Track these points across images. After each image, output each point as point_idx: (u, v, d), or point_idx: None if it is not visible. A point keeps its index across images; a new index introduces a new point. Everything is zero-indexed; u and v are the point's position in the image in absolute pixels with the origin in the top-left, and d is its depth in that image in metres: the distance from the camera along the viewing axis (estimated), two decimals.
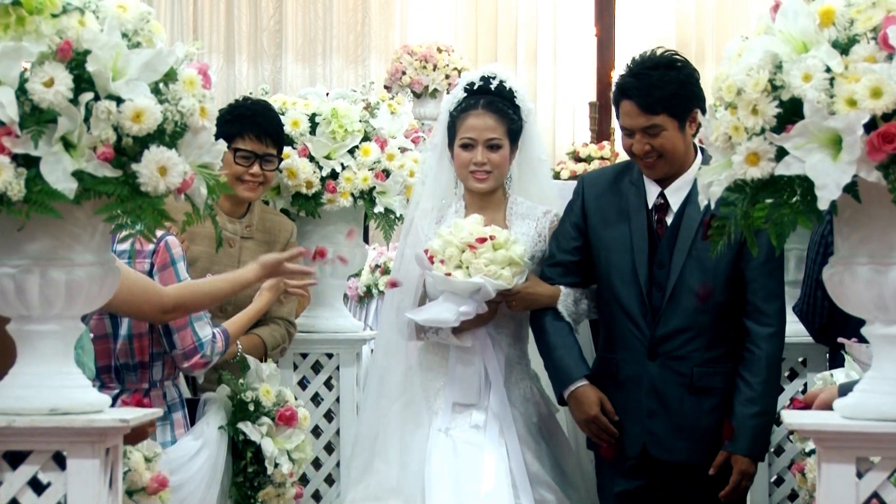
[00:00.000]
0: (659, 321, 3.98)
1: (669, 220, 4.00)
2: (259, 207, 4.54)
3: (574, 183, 4.41)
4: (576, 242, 4.12)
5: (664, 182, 4.01)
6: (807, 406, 3.34)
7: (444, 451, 4.05)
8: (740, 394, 3.93)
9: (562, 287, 4.11)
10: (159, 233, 3.58)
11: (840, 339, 3.16)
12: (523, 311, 4.15)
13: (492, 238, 4.00)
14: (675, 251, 3.97)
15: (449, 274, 3.99)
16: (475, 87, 4.22)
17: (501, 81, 4.22)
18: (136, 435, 2.97)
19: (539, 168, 4.35)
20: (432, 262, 4.03)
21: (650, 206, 4.03)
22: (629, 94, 3.94)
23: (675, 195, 3.99)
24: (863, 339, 2.86)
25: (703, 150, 4.00)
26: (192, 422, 3.99)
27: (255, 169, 4.38)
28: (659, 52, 4.01)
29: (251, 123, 4.36)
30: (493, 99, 4.20)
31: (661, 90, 3.90)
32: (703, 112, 3.91)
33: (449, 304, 4.02)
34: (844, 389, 3.10)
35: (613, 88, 4.09)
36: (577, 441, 4.29)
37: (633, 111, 3.93)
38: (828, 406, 3.19)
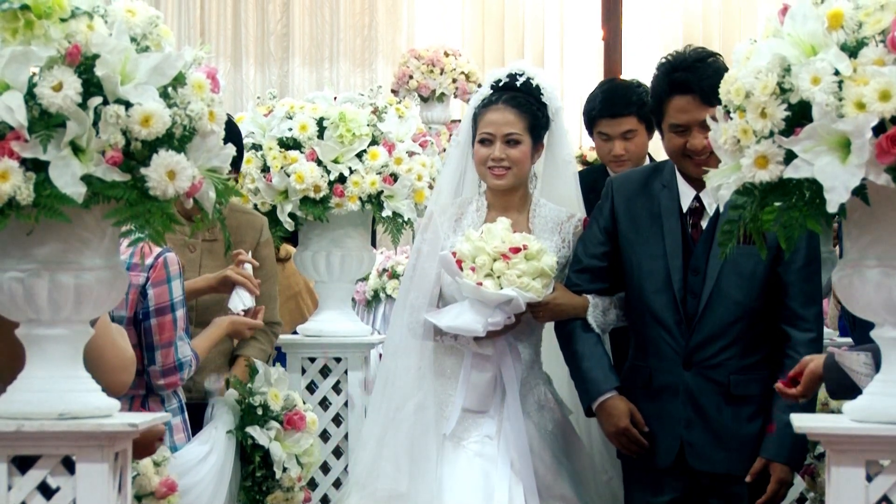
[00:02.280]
0: (694, 329, 3.86)
1: (704, 224, 3.88)
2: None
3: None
4: (604, 247, 4.01)
5: (700, 184, 3.82)
6: (797, 375, 3.31)
7: (456, 463, 3.98)
8: (780, 400, 3.73)
9: (590, 297, 4.01)
10: (157, 249, 3.57)
11: (830, 349, 3.15)
12: (549, 321, 4.08)
13: (524, 248, 3.90)
14: (710, 256, 3.83)
15: (480, 283, 3.88)
16: (501, 84, 4.16)
17: (529, 78, 4.14)
18: (142, 450, 2.95)
19: (564, 169, 4.26)
20: (461, 268, 3.93)
21: (684, 209, 3.91)
22: (686, 87, 3.79)
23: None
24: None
25: None
26: (201, 426, 3.99)
27: None
28: (689, 49, 3.89)
29: None
30: (517, 95, 4.12)
31: (715, 81, 3.79)
32: None
33: (476, 315, 3.91)
34: (829, 362, 3.11)
35: (658, 86, 3.89)
36: (591, 442, 4.24)
37: (692, 105, 3.79)
38: (817, 379, 3.20)
